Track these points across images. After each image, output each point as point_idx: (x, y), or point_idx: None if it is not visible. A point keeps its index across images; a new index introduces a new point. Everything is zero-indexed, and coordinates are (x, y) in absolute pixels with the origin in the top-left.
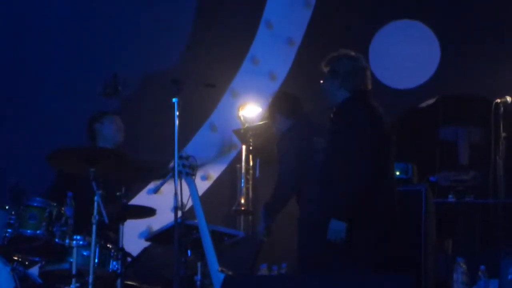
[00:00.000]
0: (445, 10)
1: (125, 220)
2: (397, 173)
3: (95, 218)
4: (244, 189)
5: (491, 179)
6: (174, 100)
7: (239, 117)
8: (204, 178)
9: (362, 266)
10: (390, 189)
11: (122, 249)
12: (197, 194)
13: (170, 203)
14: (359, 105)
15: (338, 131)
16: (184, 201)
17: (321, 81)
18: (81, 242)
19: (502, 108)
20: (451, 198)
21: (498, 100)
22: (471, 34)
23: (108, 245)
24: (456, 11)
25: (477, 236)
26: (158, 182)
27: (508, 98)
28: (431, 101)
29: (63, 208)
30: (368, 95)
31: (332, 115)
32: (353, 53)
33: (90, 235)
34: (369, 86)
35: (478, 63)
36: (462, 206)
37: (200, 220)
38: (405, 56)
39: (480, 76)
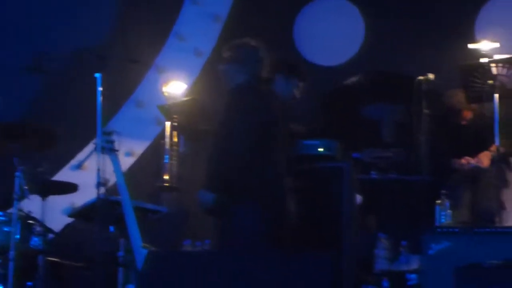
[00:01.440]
0: None
1: (47, 196)
2: (321, 149)
3: (16, 193)
4: (168, 165)
5: (414, 156)
6: (97, 75)
7: (164, 93)
8: (128, 154)
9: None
10: (273, 172)
11: (44, 225)
12: (121, 169)
13: (94, 179)
14: (249, 91)
15: (225, 112)
16: (108, 177)
17: (221, 65)
18: (1, 218)
19: (425, 86)
20: (374, 175)
21: (421, 78)
22: (395, 12)
23: (29, 221)
24: None
25: (399, 213)
26: (81, 158)
27: (431, 76)
28: (355, 78)
29: None
30: (261, 82)
31: (226, 97)
32: (253, 43)
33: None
34: (265, 75)
35: (402, 41)
36: (385, 183)
37: (123, 196)
38: (329, 33)
39: (404, 53)
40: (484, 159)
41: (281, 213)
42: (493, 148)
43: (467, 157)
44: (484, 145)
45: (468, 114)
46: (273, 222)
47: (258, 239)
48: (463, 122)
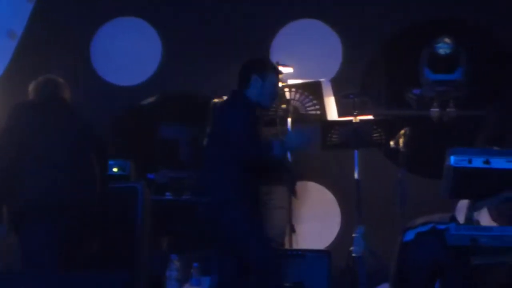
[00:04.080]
0: (167, 8)
1: None
2: (115, 169)
3: None
4: None
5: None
6: None
7: None
8: None
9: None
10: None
11: None
12: None
13: None
14: (16, 111)
15: None
16: None
17: None
18: None
19: None
20: (168, 196)
21: (216, 100)
22: (193, 34)
23: None
24: (178, 9)
25: (191, 234)
26: None
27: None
28: (152, 99)
29: None
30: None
31: None
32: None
33: None
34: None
35: (198, 63)
36: (178, 204)
37: None
38: (127, 53)
39: (201, 75)
40: None
41: (73, 231)
42: None
43: None
44: None
45: None
46: (65, 241)
47: (49, 259)
48: None
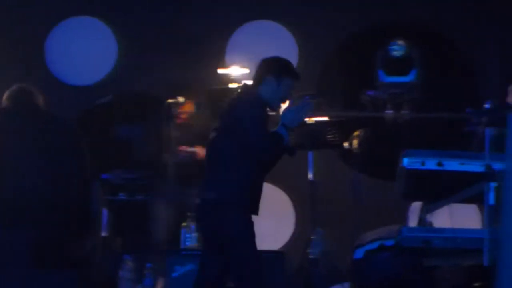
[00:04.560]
0: (122, 7)
1: None
2: None
3: None
4: None
5: (162, 177)
6: None
7: None
8: None
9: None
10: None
11: None
12: None
13: None
14: None
15: None
16: None
17: None
18: None
19: (174, 108)
20: (122, 196)
21: (171, 100)
22: (148, 33)
23: None
24: (133, 9)
25: (145, 234)
26: None
27: (181, 99)
28: (107, 98)
29: None
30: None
31: None
32: None
33: None
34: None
35: (153, 63)
36: (132, 204)
37: None
38: (82, 52)
39: (156, 75)
40: (200, 150)
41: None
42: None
43: (184, 146)
44: None
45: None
46: (41, 242)
47: (25, 259)
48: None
